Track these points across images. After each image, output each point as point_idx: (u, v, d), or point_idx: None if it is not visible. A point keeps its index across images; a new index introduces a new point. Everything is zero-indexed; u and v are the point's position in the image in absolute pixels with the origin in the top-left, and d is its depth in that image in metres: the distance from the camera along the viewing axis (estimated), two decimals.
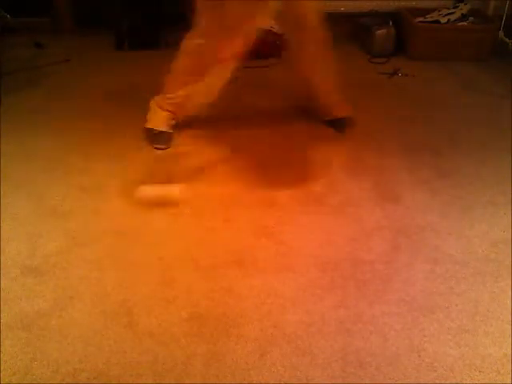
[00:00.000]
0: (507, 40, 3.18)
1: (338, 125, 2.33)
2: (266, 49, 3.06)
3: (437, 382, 1.24)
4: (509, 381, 1.25)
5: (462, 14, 3.21)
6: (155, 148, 2.16)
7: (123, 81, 2.82)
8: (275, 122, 2.40)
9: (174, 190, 1.90)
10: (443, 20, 3.18)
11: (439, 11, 3.27)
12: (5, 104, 2.52)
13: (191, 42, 2.01)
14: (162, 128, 2.19)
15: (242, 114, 2.48)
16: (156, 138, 2.18)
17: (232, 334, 1.36)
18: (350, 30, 3.45)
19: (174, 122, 2.21)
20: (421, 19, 3.21)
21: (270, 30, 2.97)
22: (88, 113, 2.50)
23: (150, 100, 2.24)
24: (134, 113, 2.43)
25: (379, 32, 3.17)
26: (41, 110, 2.52)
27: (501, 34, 3.21)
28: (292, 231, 1.74)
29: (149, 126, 2.21)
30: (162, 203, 1.85)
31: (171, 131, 2.21)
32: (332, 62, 2.20)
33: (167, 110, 2.18)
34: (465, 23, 3.17)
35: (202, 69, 2.03)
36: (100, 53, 3.20)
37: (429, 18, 3.23)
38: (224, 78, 2.04)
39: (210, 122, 2.31)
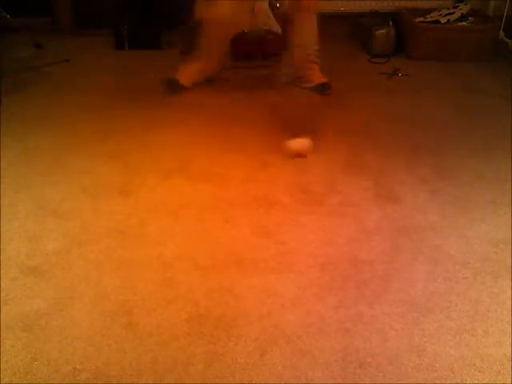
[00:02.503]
0: (507, 40, 3.18)
1: (320, 89, 2.72)
2: (266, 48, 3.06)
3: (437, 382, 1.24)
4: (509, 381, 1.25)
5: (462, 14, 3.21)
6: (166, 88, 2.60)
7: (123, 81, 2.83)
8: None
9: (305, 143, 2.15)
10: (443, 20, 3.18)
11: (439, 11, 3.28)
12: (5, 104, 2.52)
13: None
14: (178, 78, 2.63)
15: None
16: (170, 84, 2.63)
17: (232, 334, 1.35)
18: (350, 30, 3.46)
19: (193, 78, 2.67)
20: (421, 19, 3.21)
21: (270, 30, 2.97)
22: (88, 113, 2.50)
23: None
24: (134, 112, 2.43)
25: (379, 32, 3.18)
26: (40, 110, 2.52)
27: (501, 33, 3.21)
28: (292, 231, 1.74)
29: (170, 75, 2.66)
30: (299, 154, 2.12)
31: (186, 85, 2.65)
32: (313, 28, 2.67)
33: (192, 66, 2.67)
34: (465, 23, 3.17)
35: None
36: (100, 53, 3.21)
37: (429, 18, 3.24)
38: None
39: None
